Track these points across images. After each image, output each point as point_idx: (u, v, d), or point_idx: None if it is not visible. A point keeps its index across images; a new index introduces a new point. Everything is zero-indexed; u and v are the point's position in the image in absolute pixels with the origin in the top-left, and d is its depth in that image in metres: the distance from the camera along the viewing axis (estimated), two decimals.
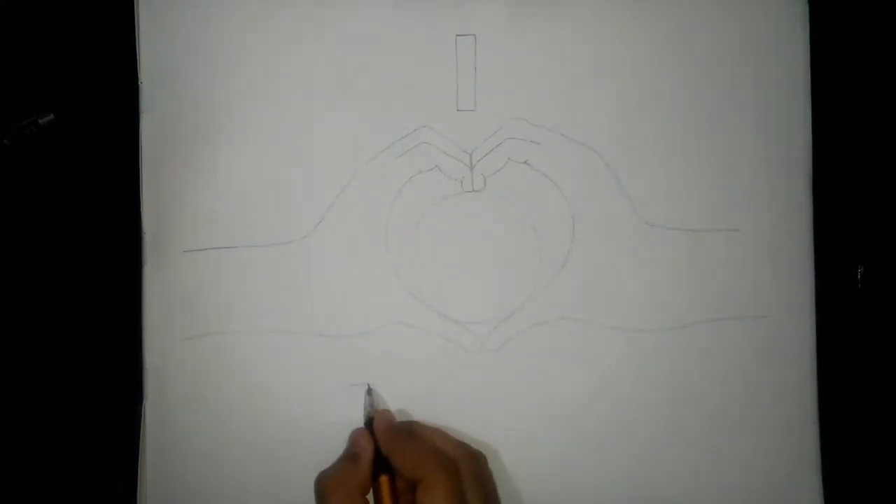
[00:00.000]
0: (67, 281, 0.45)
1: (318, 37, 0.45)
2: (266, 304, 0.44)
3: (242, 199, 0.45)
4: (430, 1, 0.45)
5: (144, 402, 0.44)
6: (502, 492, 0.42)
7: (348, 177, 0.45)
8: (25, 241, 0.45)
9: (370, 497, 0.40)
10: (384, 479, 0.40)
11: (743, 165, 0.46)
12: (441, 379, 0.45)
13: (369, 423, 0.43)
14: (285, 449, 0.44)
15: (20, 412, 0.45)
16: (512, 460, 0.45)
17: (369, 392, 0.44)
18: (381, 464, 0.41)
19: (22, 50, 0.46)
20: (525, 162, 0.46)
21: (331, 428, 0.44)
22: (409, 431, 0.43)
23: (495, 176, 0.45)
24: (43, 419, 0.45)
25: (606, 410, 0.45)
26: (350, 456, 0.42)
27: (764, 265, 0.46)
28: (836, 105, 0.47)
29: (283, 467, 0.44)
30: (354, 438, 0.42)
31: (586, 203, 0.45)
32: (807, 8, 0.47)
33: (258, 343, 0.44)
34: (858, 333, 0.48)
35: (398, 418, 0.44)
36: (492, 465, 0.42)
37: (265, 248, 0.45)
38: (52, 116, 0.45)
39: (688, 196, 0.46)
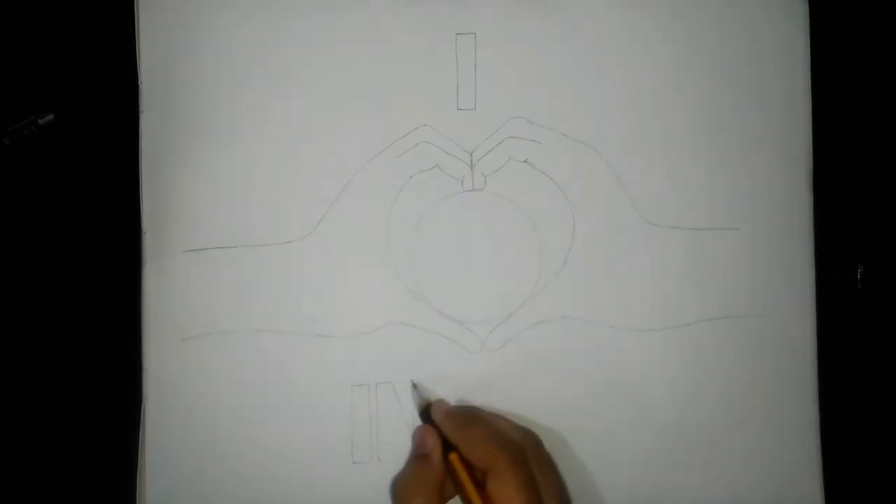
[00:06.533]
0: (67, 281, 0.45)
1: (318, 36, 0.45)
2: (266, 304, 0.44)
3: (242, 199, 0.44)
4: None
5: (144, 402, 0.44)
6: None
7: (348, 176, 0.45)
8: (25, 241, 0.45)
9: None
10: (454, 457, 0.40)
11: (743, 164, 0.46)
12: (441, 378, 0.45)
13: (425, 414, 0.43)
14: (285, 449, 0.44)
15: (20, 412, 0.45)
16: None
17: (415, 387, 0.44)
18: (448, 447, 0.41)
19: (22, 50, 0.46)
20: (525, 161, 0.46)
21: (331, 428, 0.44)
22: (472, 417, 0.42)
23: (496, 175, 0.45)
24: (43, 419, 0.45)
25: (607, 410, 0.45)
26: (420, 457, 0.41)
27: (764, 264, 0.46)
28: (836, 105, 0.47)
29: (283, 467, 0.44)
30: (419, 438, 0.42)
31: (587, 202, 0.46)
32: (807, 8, 0.47)
33: (258, 343, 0.44)
34: (858, 333, 0.48)
35: (397, 417, 0.44)
36: None
37: (265, 248, 0.44)
38: (51, 116, 0.45)
39: (689, 195, 0.46)
